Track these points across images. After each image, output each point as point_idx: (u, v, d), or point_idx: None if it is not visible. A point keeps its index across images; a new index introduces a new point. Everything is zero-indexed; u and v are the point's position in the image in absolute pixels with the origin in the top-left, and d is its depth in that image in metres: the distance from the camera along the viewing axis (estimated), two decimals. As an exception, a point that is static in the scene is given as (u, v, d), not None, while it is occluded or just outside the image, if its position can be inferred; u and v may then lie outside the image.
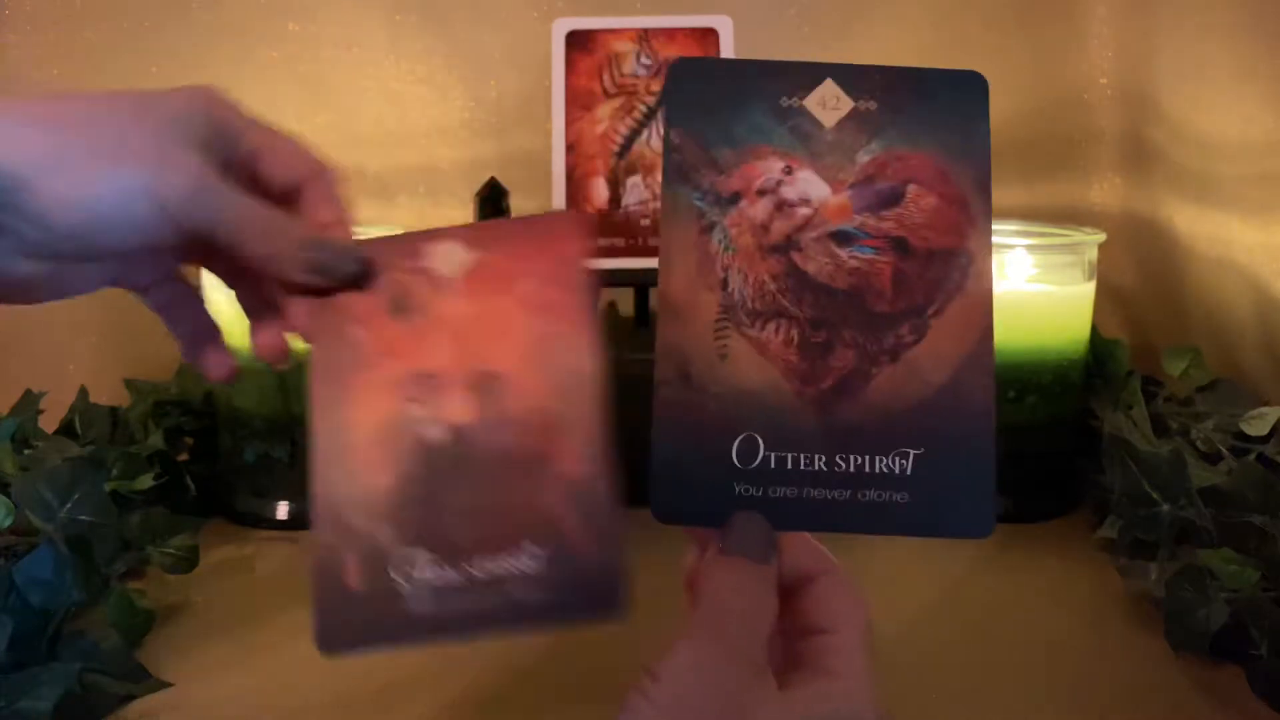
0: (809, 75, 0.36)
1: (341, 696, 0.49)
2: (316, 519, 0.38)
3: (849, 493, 0.34)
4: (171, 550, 0.60)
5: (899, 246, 0.35)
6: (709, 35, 0.75)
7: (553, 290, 0.41)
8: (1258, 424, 0.65)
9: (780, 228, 0.36)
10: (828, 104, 0.36)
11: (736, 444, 0.35)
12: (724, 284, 0.35)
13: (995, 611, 0.58)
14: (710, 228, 0.36)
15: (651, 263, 0.75)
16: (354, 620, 0.37)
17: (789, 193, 0.36)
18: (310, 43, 0.87)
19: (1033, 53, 0.89)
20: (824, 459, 0.35)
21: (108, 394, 0.76)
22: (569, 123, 0.75)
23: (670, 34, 0.76)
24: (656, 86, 0.76)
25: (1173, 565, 0.56)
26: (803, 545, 0.35)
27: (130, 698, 0.48)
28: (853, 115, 0.36)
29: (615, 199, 0.76)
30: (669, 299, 0.35)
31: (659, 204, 0.76)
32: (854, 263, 0.35)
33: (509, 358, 0.40)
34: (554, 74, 0.76)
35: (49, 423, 0.70)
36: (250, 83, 0.87)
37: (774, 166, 0.36)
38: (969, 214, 0.36)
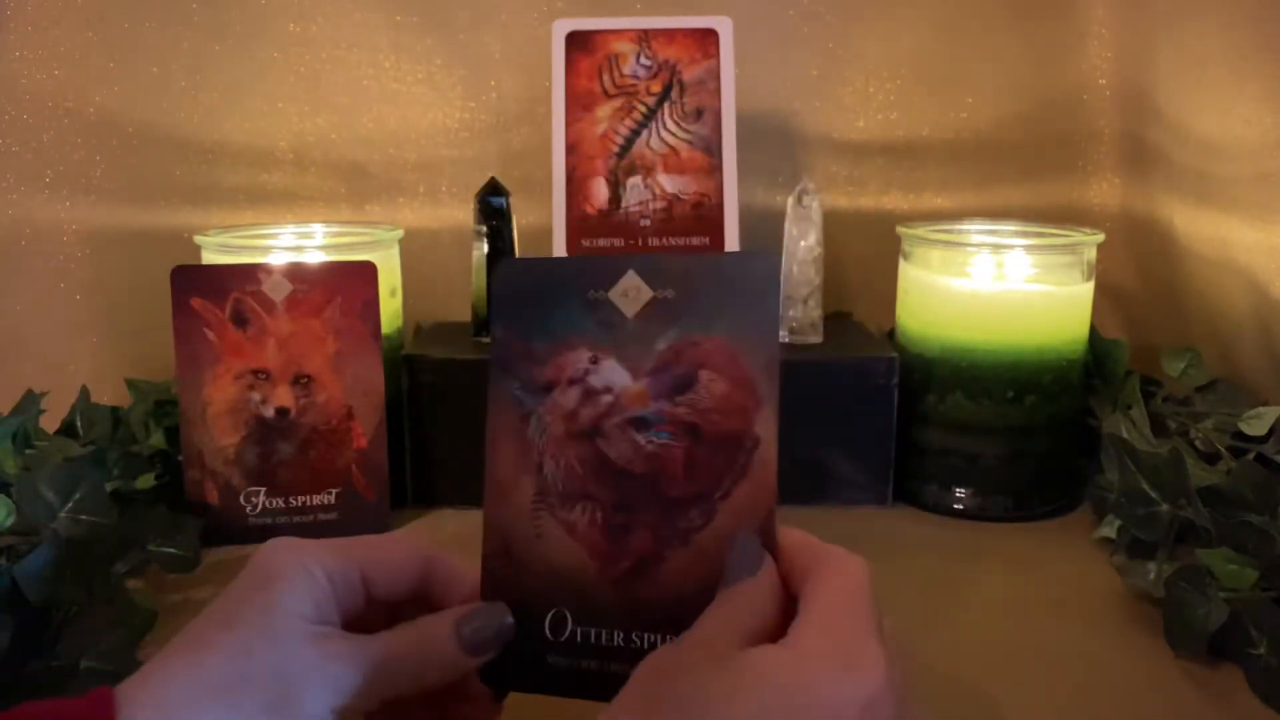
0: (613, 267, 0.38)
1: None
2: (188, 463, 0.66)
3: None
4: (172, 549, 0.60)
5: (691, 432, 0.37)
6: (709, 36, 0.75)
7: (349, 319, 0.66)
8: (1256, 424, 0.65)
9: (587, 414, 0.38)
10: (629, 295, 0.38)
11: (549, 618, 0.37)
12: (539, 468, 0.38)
13: (994, 611, 0.58)
14: (528, 416, 0.39)
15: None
16: (214, 526, 0.65)
17: (595, 381, 0.38)
18: (310, 43, 0.87)
19: (1032, 53, 0.89)
20: (623, 635, 0.37)
21: (109, 394, 0.76)
22: (569, 123, 0.76)
23: (670, 34, 0.76)
24: (657, 87, 0.76)
25: (1171, 565, 0.56)
26: (805, 547, 0.35)
27: (131, 697, 0.47)
28: (653, 304, 0.37)
29: (615, 199, 0.76)
30: (494, 480, 0.39)
31: (659, 204, 0.77)
32: (650, 448, 0.37)
33: (319, 365, 0.66)
34: (554, 74, 0.76)
35: (50, 422, 0.70)
36: (250, 83, 0.87)
37: (583, 357, 0.38)
38: (755, 396, 0.36)
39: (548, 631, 0.37)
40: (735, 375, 0.36)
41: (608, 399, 0.37)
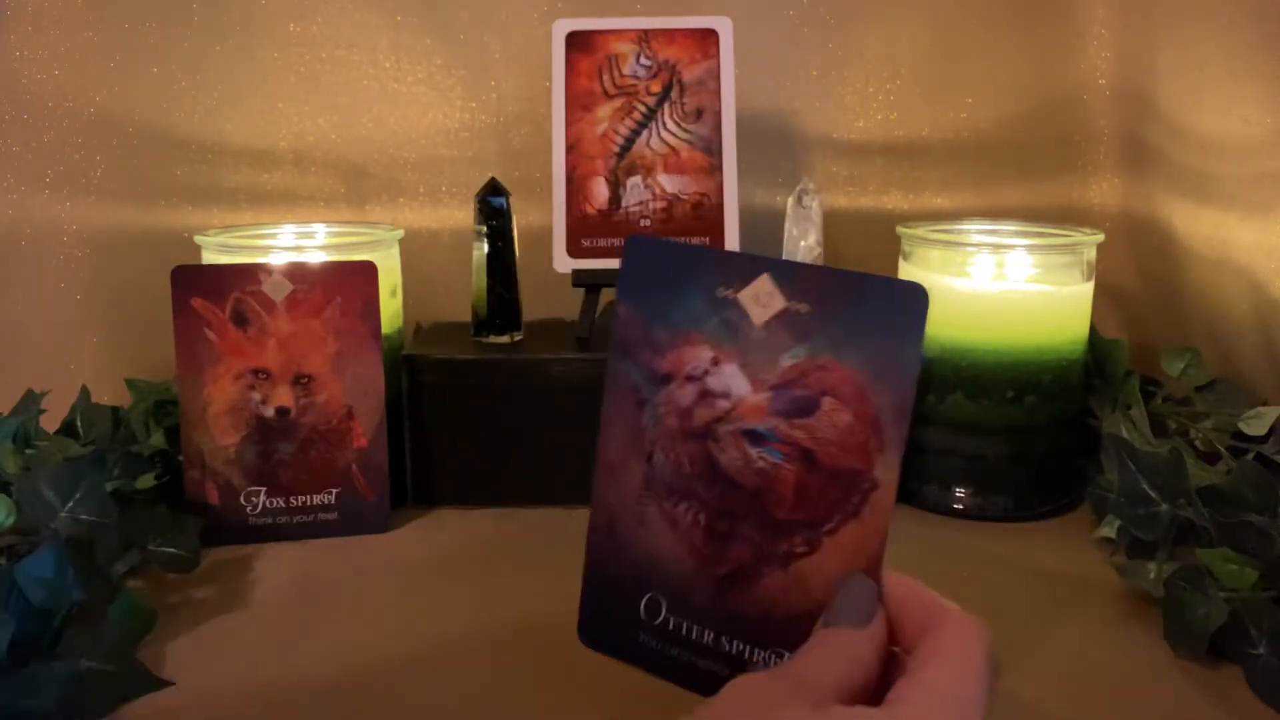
0: (748, 268, 0.36)
1: (342, 694, 0.49)
2: (188, 463, 0.65)
3: (729, 671, 0.36)
4: (172, 549, 0.60)
5: (805, 457, 0.35)
6: (709, 36, 0.76)
7: (349, 319, 0.66)
8: (1256, 423, 0.65)
9: (702, 415, 0.36)
10: (761, 300, 0.36)
11: (645, 600, 0.37)
12: (650, 457, 0.37)
13: (994, 611, 0.58)
14: (643, 403, 0.37)
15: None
16: (214, 526, 0.64)
17: (713, 383, 0.36)
18: (310, 43, 0.87)
19: (1032, 53, 0.89)
20: (712, 635, 0.36)
21: (109, 393, 0.76)
22: (569, 123, 0.76)
23: (670, 35, 0.76)
24: (656, 88, 0.76)
25: (1171, 565, 0.56)
26: (920, 603, 0.34)
27: (131, 697, 0.48)
28: (783, 315, 0.35)
29: (615, 199, 0.76)
30: (605, 459, 0.38)
31: (659, 204, 0.77)
32: (761, 464, 0.35)
33: (319, 364, 0.66)
34: (554, 75, 0.76)
35: (50, 422, 0.70)
36: (250, 83, 0.87)
37: (703, 355, 0.36)
38: (880, 439, 0.34)
39: (642, 612, 0.37)
40: (861, 410, 0.34)
41: (724, 404, 0.36)
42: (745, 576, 0.36)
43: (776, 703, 0.30)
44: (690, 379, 0.37)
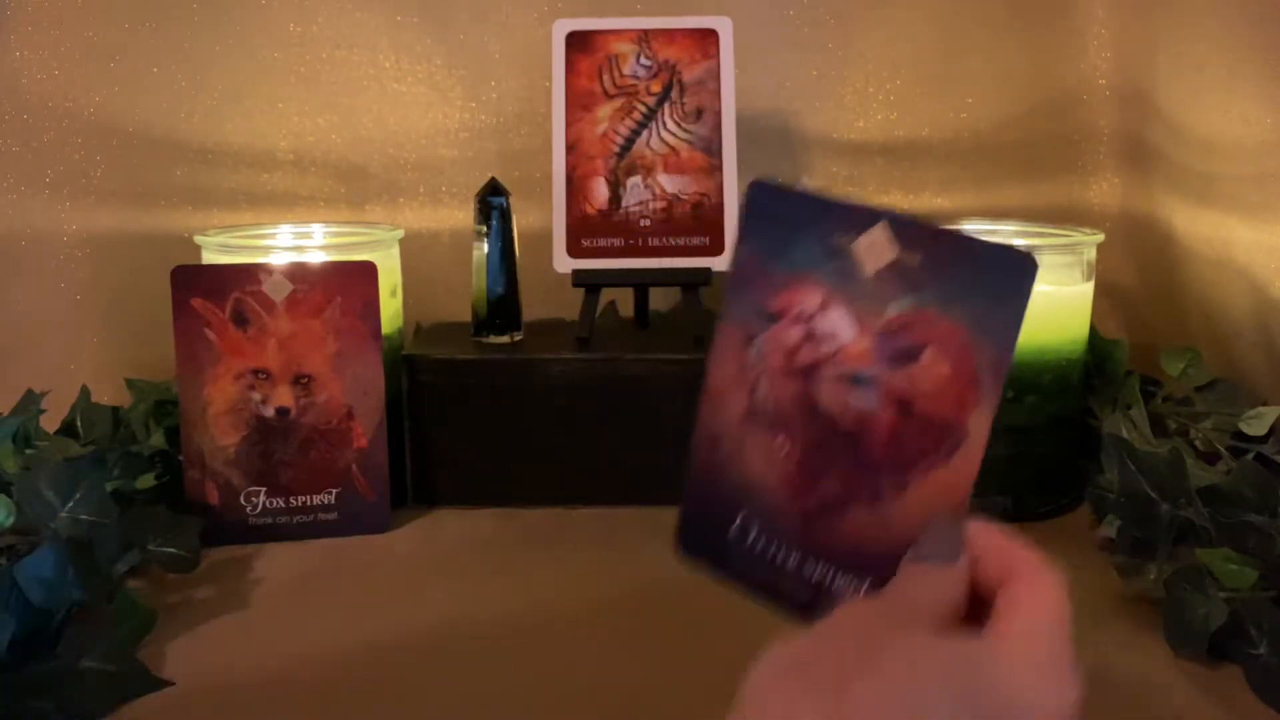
0: (864, 218, 0.37)
1: (342, 694, 0.49)
2: (188, 463, 0.66)
3: (810, 595, 0.37)
4: (172, 549, 0.60)
5: (902, 405, 0.36)
6: (709, 36, 0.76)
7: (349, 319, 0.67)
8: (1256, 423, 0.65)
9: (806, 355, 0.38)
10: (874, 249, 0.37)
11: (739, 518, 0.39)
12: (753, 390, 0.39)
13: (994, 611, 0.58)
14: (751, 338, 0.39)
15: (651, 263, 0.75)
16: (214, 526, 0.65)
17: (820, 325, 0.38)
18: (310, 43, 0.87)
19: (1032, 54, 0.89)
20: (798, 559, 0.38)
21: (109, 394, 0.76)
22: (569, 123, 0.76)
23: (670, 35, 0.76)
24: (657, 87, 0.76)
25: (1171, 565, 0.56)
26: (1004, 549, 0.35)
27: (131, 697, 0.48)
28: (894, 266, 0.36)
29: (615, 199, 0.76)
30: (711, 388, 0.40)
31: (659, 204, 0.77)
32: (859, 406, 0.37)
33: (319, 364, 0.67)
34: (554, 75, 0.76)
35: (50, 422, 0.70)
36: (250, 83, 0.87)
37: (813, 298, 0.38)
38: (976, 393, 0.35)
39: (736, 528, 0.39)
40: (961, 365, 0.35)
41: (829, 347, 0.37)
42: (833, 511, 0.37)
43: (895, 626, 0.31)
44: (798, 320, 0.38)
